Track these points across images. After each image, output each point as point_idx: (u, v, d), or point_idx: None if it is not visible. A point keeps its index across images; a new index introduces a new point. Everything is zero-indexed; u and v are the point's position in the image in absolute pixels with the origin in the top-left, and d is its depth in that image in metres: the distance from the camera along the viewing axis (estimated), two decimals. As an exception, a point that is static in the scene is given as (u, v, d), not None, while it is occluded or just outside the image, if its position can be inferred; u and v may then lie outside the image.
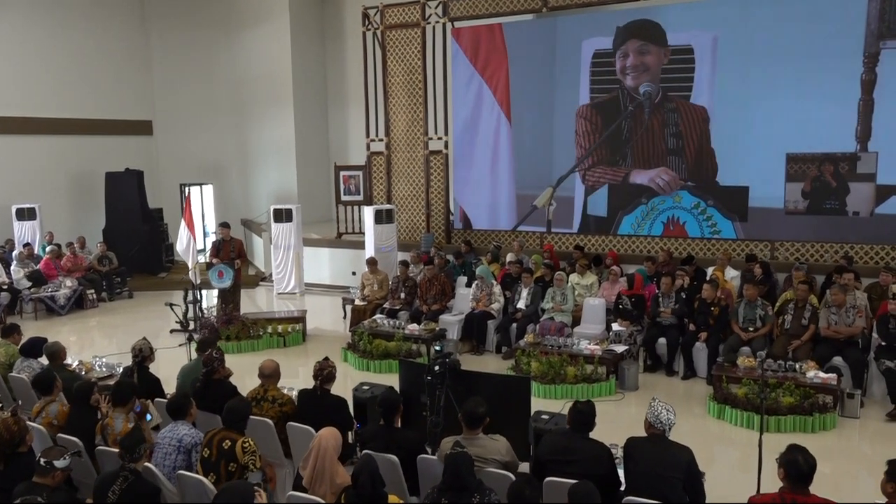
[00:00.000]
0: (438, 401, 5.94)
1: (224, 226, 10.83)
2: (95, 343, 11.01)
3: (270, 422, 5.25)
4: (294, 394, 6.16)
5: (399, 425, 4.98)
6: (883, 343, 7.47)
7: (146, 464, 4.45)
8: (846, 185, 10.22)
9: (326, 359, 5.42)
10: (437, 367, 5.93)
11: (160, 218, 16.45)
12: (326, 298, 13.39)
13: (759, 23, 10.51)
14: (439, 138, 13.12)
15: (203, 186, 18.73)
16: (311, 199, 17.17)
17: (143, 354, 5.89)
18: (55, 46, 15.67)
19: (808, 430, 6.83)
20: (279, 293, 13.75)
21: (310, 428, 5.07)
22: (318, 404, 5.26)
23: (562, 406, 7.53)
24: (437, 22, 12.80)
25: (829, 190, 10.33)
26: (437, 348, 6.23)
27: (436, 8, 12.74)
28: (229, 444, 4.49)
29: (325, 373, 5.27)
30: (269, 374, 5.39)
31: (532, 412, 6.03)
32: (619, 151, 11.66)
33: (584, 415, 4.30)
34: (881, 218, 10.04)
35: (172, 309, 7.40)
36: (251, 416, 5.28)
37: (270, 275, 14.32)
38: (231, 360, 9.38)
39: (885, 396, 7.39)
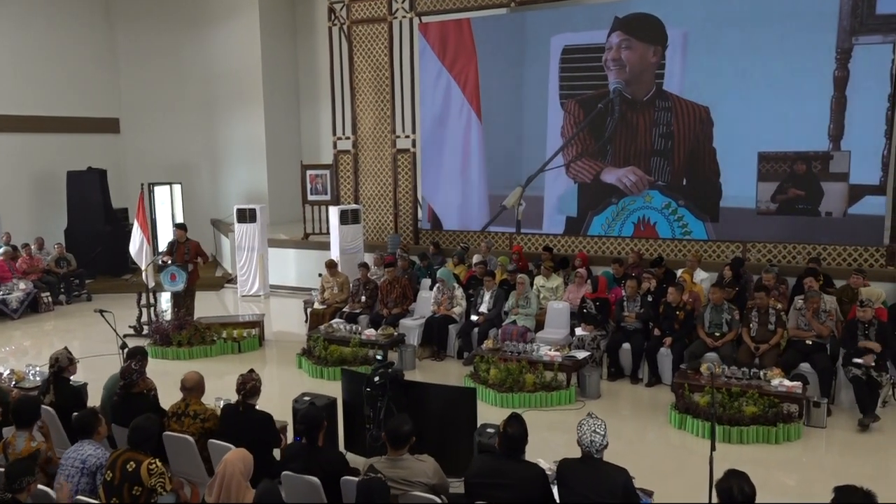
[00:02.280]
0: (378, 413, 5.64)
1: (179, 227, 10.44)
2: (54, 346, 10.61)
3: (191, 438, 4.89)
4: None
5: (324, 442, 4.60)
6: (850, 350, 7.18)
7: (43, 488, 4.10)
8: (819, 185, 9.95)
9: (251, 371, 5.06)
10: (376, 379, 5.62)
11: (125, 218, 15.99)
12: (292, 301, 13.03)
13: (729, 18, 10.22)
14: (407, 136, 12.78)
15: (172, 186, 18.35)
16: (281, 199, 16.83)
17: (59, 365, 5.51)
18: (16, 41, 15.15)
19: (773, 441, 6.54)
20: (243, 295, 13.39)
21: (230, 446, 4.73)
22: (241, 420, 4.90)
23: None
24: (405, 17, 12.45)
25: (801, 190, 10.08)
26: (379, 358, 5.91)
27: (402, 2, 12.39)
28: (134, 465, 4.15)
29: (248, 387, 4.90)
30: (191, 388, 5.02)
31: (479, 425, 5.70)
32: (598, 148, 11.34)
33: (513, 440, 3.96)
34: (854, 218, 9.79)
35: (103, 315, 7.01)
36: (171, 433, 4.97)
37: (236, 276, 13.95)
38: (182, 367, 9.10)
39: (854, 405, 7.11)
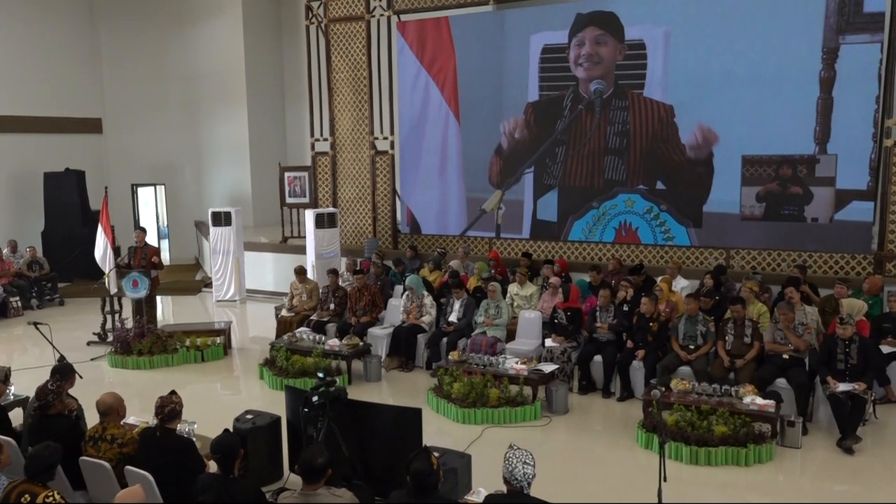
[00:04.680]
0: (317, 435, 5.32)
1: (140, 230, 10.14)
2: (26, 351, 10.41)
3: (108, 465, 4.58)
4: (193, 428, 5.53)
5: (238, 472, 4.27)
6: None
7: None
8: (806, 189, 9.59)
9: (173, 393, 4.74)
10: (315, 398, 5.29)
11: (105, 220, 15.69)
12: (268, 306, 12.67)
13: (713, 16, 9.87)
14: (385, 138, 12.45)
15: (157, 187, 18.11)
16: (266, 201, 16.54)
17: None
18: (-3, 39, 14.95)
19: (743, 463, 6.17)
20: (218, 300, 13.08)
21: (147, 474, 4.42)
22: (159, 446, 4.58)
23: (479, 432, 6.96)
24: (382, 15, 12.12)
25: (787, 195, 9.71)
26: (320, 375, 5.57)
27: (380, 0, 12.05)
28: (28, 499, 3.83)
29: (166, 410, 4.57)
30: (105, 412, 4.69)
31: (423, 446, 5.37)
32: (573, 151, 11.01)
33: (421, 476, 3.63)
34: (841, 224, 9.42)
35: (37, 328, 6.71)
36: (87, 458, 4.67)
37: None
38: (143, 377, 8.87)
39: (832, 423, 6.72)
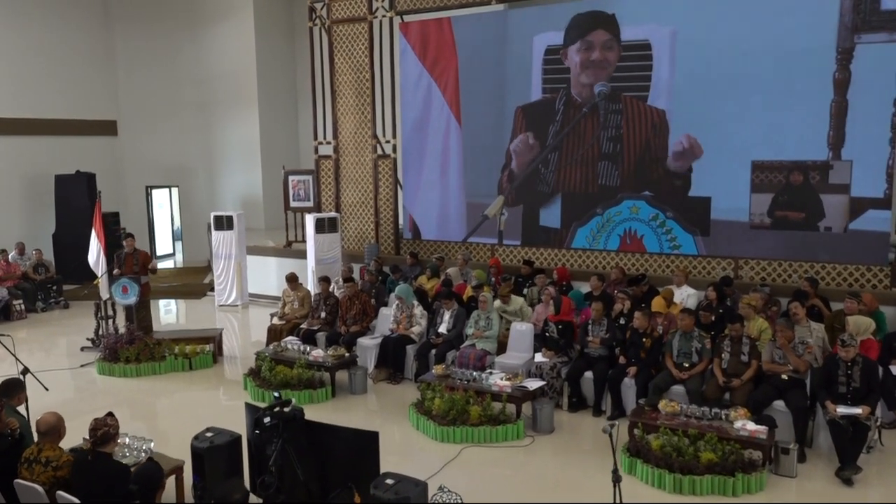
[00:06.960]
0: (270, 458, 5.09)
1: (129, 236, 10.03)
2: (29, 356, 10.38)
3: (41, 488, 4.39)
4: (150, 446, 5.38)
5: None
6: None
7: None
8: (817, 197, 9.08)
9: (109, 414, 4.53)
10: (267, 420, 5.06)
11: (115, 223, 15.74)
12: (271, 311, 12.55)
13: (721, 15, 9.40)
14: (388, 141, 12.19)
15: (171, 189, 18.16)
16: (276, 204, 16.40)
17: None
18: (14, 44, 14.98)
19: (730, 493, 5.77)
20: (220, 305, 12.99)
21: (76, 500, 4.23)
22: (90, 471, 4.38)
23: (457, 452, 6.66)
24: (384, 16, 11.86)
25: (798, 203, 9.22)
26: (276, 395, 5.34)
27: (382, 1, 11.80)
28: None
29: (99, 433, 4.35)
30: (45, 432, 4.50)
31: (381, 472, 5.10)
32: (578, 155, 10.63)
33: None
34: (855, 234, 8.89)
35: (1, 342, 6.58)
36: (21, 481, 4.49)
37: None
38: (130, 385, 8.75)
39: (833, 449, 6.26)
